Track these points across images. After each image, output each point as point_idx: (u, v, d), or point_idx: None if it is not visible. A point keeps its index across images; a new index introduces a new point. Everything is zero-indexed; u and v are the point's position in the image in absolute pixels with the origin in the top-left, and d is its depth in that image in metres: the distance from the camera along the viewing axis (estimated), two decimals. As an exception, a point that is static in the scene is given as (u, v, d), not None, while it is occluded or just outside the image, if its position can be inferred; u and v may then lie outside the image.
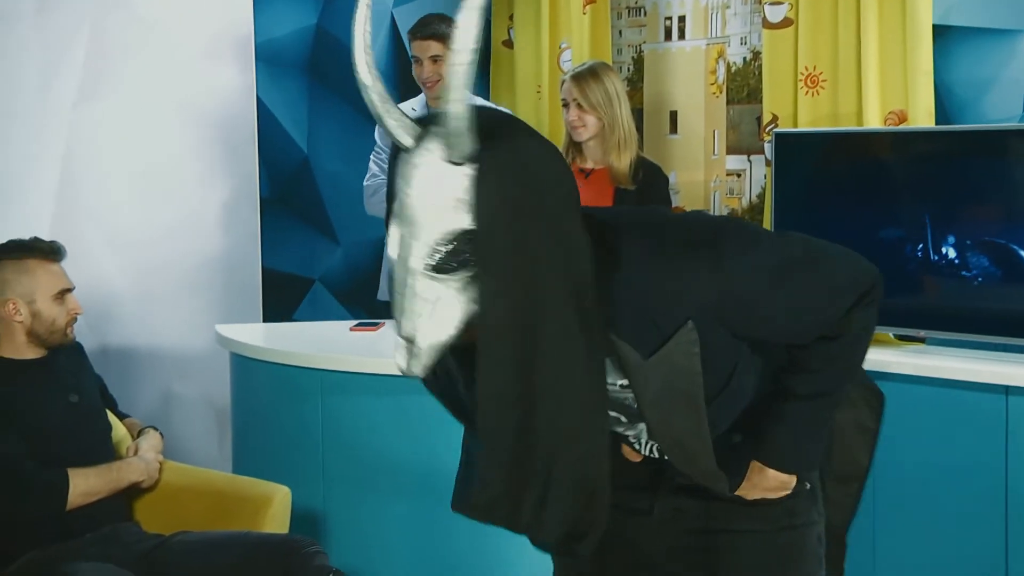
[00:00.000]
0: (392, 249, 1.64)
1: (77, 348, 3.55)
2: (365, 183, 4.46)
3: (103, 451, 3.47)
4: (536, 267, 1.62)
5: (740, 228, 1.96)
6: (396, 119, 1.61)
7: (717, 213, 4.99)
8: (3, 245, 3.43)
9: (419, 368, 1.64)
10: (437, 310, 1.62)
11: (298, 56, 5.08)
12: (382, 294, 4.64)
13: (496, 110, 1.81)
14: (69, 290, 3.43)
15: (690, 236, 1.83)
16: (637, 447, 2.03)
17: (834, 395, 1.98)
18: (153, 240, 4.71)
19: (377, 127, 4.52)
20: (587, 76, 4.15)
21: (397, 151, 1.66)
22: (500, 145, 1.60)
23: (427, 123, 1.64)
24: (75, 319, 3.46)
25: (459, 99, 1.53)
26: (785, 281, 1.85)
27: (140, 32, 4.52)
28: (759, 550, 2.03)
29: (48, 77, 4.17)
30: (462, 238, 1.59)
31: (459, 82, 1.54)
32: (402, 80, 4.81)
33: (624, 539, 2.07)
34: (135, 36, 4.52)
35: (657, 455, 2.02)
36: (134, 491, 3.50)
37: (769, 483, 1.98)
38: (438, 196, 1.59)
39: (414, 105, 4.58)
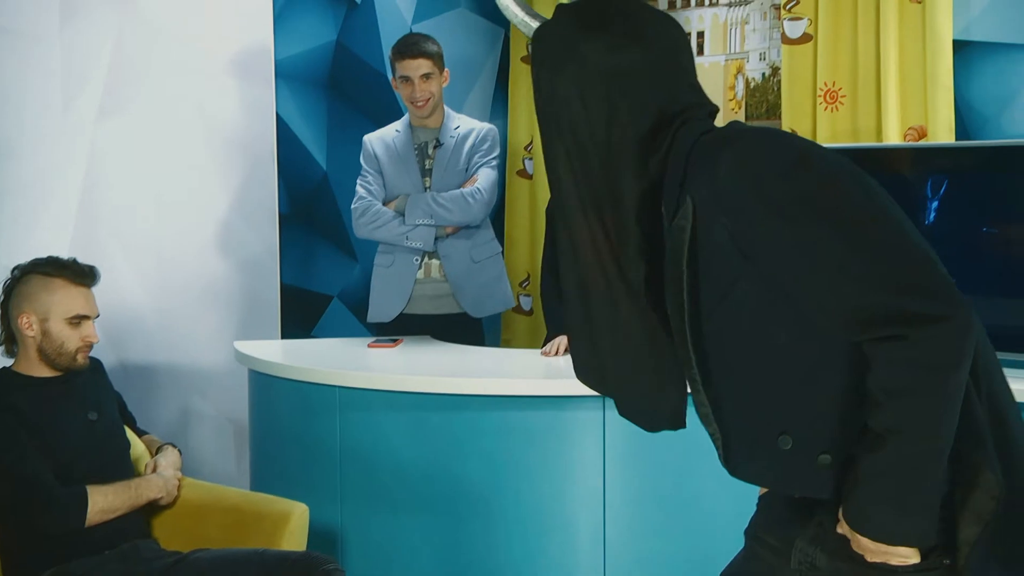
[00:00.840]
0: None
1: (96, 365, 3.56)
2: (353, 206, 4.47)
3: (122, 468, 3.47)
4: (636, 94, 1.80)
5: (824, 154, 1.77)
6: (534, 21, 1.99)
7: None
8: (41, 260, 3.44)
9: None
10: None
11: (317, 73, 5.10)
12: (372, 316, 4.64)
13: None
14: (87, 317, 3.42)
15: (728, 128, 1.85)
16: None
17: (919, 436, 1.61)
18: (172, 256, 4.72)
19: (365, 150, 4.52)
20: None
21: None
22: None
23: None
24: (90, 347, 3.45)
25: None
26: (826, 220, 1.65)
27: (161, 49, 4.54)
28: None
29: (71, 93, 4.19)
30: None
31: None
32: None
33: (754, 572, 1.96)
34: (156, 53, 4.54)
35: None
36: (153, 508, 3.50)
37: (864, 545, 1.69)
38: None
39: (397, 127, 4.57)
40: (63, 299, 3.38)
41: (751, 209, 1.68)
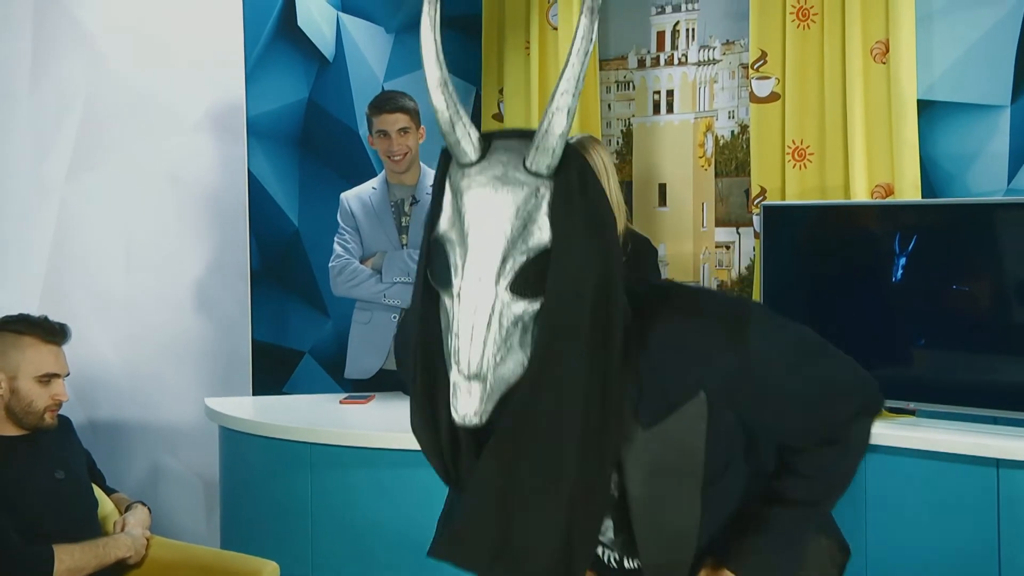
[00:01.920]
0: (457, 275, 1.51)
1: (64, 423, 3.53)
2: (331, 264, 4.48)
3: (89, 527, 3.43)
4: (595, 295, 1.55)
5: (766, 309, 1.88)
6: (466, 125, 1.53)
7: (707, 285, 5.00)
8: (12, 317, 3.43)
9: (482, 412, 1.50)
10: (512, 339, 1.51)
11: (290, 130, 5.11)
12: (349, 372, 4.63)
13: None
14: (57, 375, 3.40)
15: (717, 307, 1.78)
16: (602, 556, 1.92)
17: (820, 506, 1.90)
18: (143, 312, 4.70)
19: (342, 208, 4.53)
20: (581, 147, 4.17)
21: (447, 169, 1.58)
22: (577, 157, 1.56)
23: (491, 136, 1.58)
24: (59, 405, 3.42)
25: (566, 108, 1.48)
26: (802, 368, 1.79)
27: (132, 106, 4.55)
28: None
29: (41, 150, 4.19)
30: (542, 255, 1.50)
31: (573, 87, 1.49)
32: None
33: None
34: (127, 110, 4.55)
35: (617, 566, 1.92)
36: (121, 567, 3.46)
37: None
38: (521, 208, 1.50)
39: (374, 184, 4.59)
40: (33, 357, 3.35)
41: (767, 386, 1.74)
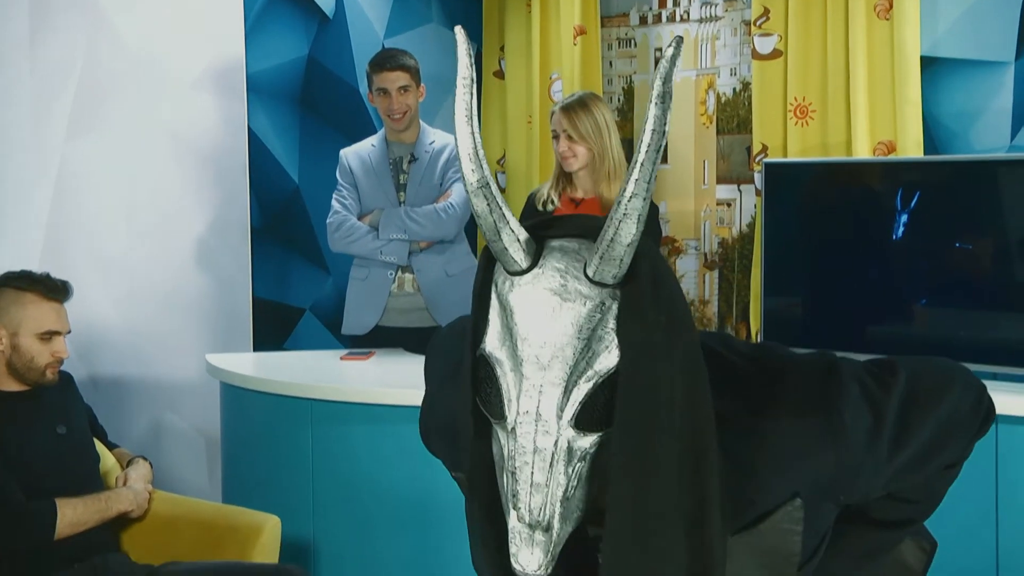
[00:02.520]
0: (511, 408, 1.29)
1: (66, 379, 3.54)
2: (328, 220, 4.48)
3: (91, 481, 3.45)
4: (680, 420, 1.32)
5: (856, 374, 1.59)
6: (515, 229, 1.29)
7: (707, 243, 4.99)
8: (14, 273, 3.43)
9: (548, 564, 1.27)
10: (576, 483, 1.29)
11: (290, 87, 5.09)
12: (346, 328, 4.64)
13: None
14: (58, 332, 3.41)
15: (803, 392, 1.53)
16: None
17: (919, 522, 1.76)
18: (144, 270, 4.71)
19: (341, 165, 4.52)
20: (577, 107, 4.16)
21: (490, 271, 1.35)
22: (648, 260, 1.32)
23: (542, 234, 1.34)
24: (59, 362, 3.43)
25: (636, 214, 1.26)
26: (911, 438, 1.57)
27: (131, 65, 4.53)
28: None
29: (41, 110, 4.18)
30: (611, 380, 1.28)
31: (644, 190, 1.27)
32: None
33: None
34: (126, 69, 4.53)
35: None
36: (123, 521, 3.49)
37: None
38: (584, 326, 1.27)
39: (373, 142, 4.59)
40: (34, 314, 3.36)
41: (877, 471, 1.55)
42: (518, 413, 1.28)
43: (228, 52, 4.86)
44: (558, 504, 1.27)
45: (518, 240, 1.29)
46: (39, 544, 3.21)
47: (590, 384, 1.28)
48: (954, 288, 4.02)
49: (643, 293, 1.29)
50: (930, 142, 4.26)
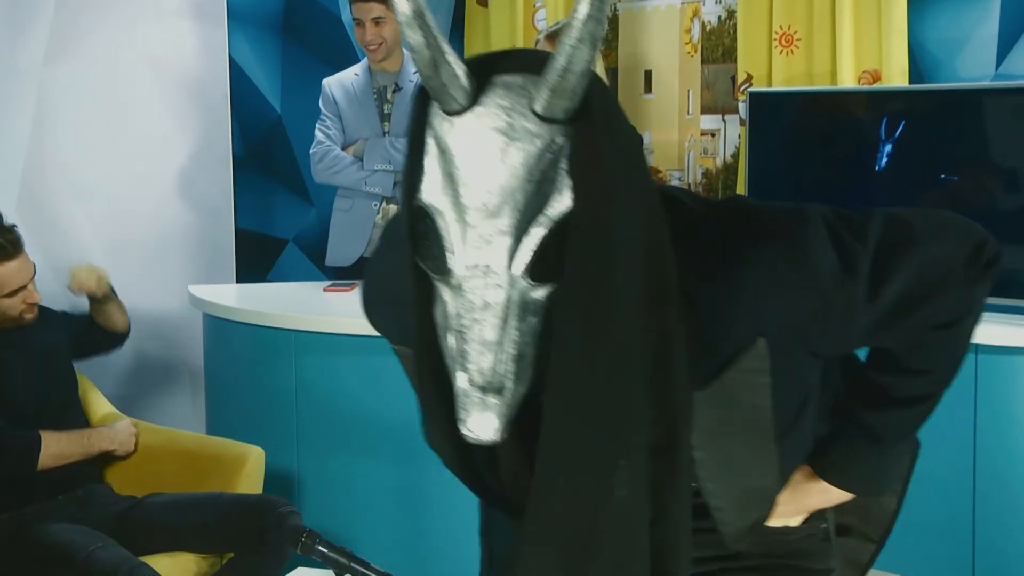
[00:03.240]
0: (456, 260, 1.17)
1: (44, 313, 3.54)
2: (312, 151, 4.46)
3: (72, 411, 3.50)
4: (640, 265, 1.21)
5: (819, 218, 1.48)
6: (452, 63, 1.14)
7: (691, 173, 4.99)
8: None
9: (502, 429, 1.16)
10: (530, 339, 1.17)
11: (271, 15, 5.03)
12: (330, 259, 4.62)
13: None
14: (22, 287, 3.40)
15: (763, 227, 1.42)
16: None
17: (935, 399, 1.59)
18: (125, 199, 4.68)
19: (324, 95, 4.48)
20: (561, 35, 4.12)
21: (424, 114, 1.20)
22: (600, 92, 1.19)
23: (483, 70, 1.19)
24: (33, 306, 3.45)
25: (590, 38, 1.11)
26: (887, 282, 1.42)
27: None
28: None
29: (16, 35, 4.13)
30: (560, 226, 1.16)
31: (598, 10, 1.11)
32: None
33: None
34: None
35: None
36: (109, 458, 3.51)
37: (810, 500, 1.64)
38: (534, 168, 1.14)
39: (356, 71, 4.55)
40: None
41: (853, 306, 1.42)
42: (465, 266, 1.15)
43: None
44: (511, 363, 1.16)
45: (457, 75, 1.14)
46: (22, 472, 3.24)
47: (542, 231, 1.15)
48: (937, 218, 4.03)
49: (597, 130, 1.16)
50: (915, 71, 4.25)
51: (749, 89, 4.47)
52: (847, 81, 4.28)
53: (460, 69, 1.15)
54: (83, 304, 3.77)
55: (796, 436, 1.56)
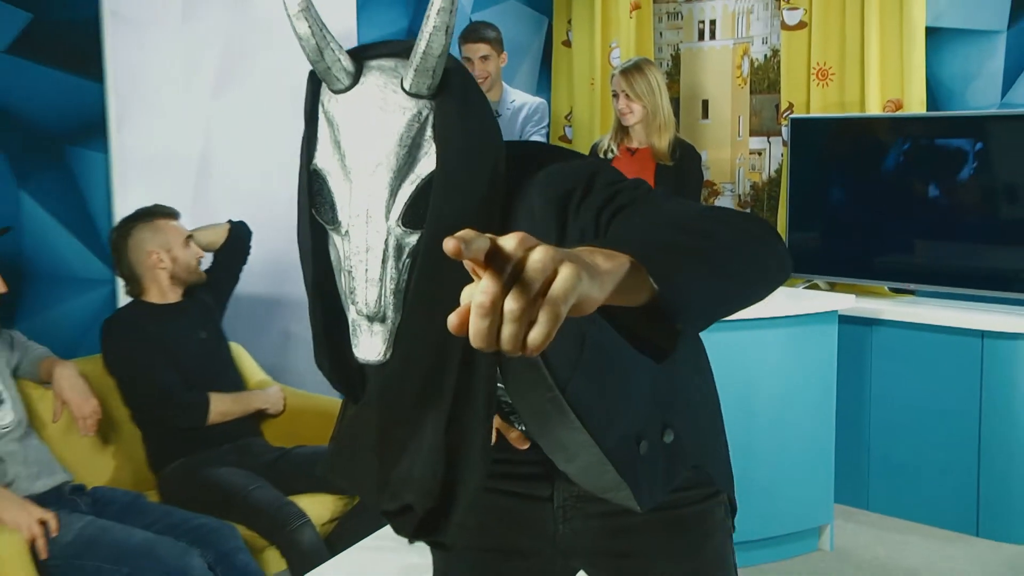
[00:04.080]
0: (344, 212, 1.19)
1: (202, 295, 3.61)
2: None
3: (229, 375, 3.54)
4: (479, 215, 1.18)
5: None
6: (336, 50, 1.17)
7: (741, 186, 4.99)
8: (133, 214, 3.48)
9: (386, 351, 1.18)
10: (407, 275, 1.18)
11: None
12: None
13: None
14: (190, 237, 3.50)
15: (553, 157, 1.32)
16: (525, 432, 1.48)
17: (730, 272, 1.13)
18: (272, 205, 4.76)
19: None
20: (633, 71, 4.15)
21: (316, 93, 1.24)
22: (459, 75, 1.19)
23: (363, 56, 1.21)
24: (200, 260, 3.54)
25: (444, 26, 1.12)
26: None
27: (263, 35, 4.58)
28: (667, 525, 1.50)
29: (190, 74, 4.24)
30: (428, 182, 1.17)
31: (450, 3, 1.12)
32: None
33: (528, 526, 1.56)
34: (259, 38, 4.58)
35: None
36: (261, 416, 3.57)
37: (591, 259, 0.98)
38: (404, 135, 1.16)
39: None
40: (173, 231, 3.45)
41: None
42: (350, 216, 1.18)
43: (342, 25, 4.88)
44: (391, 296, 1.17)
45: (339, 60, 1.17)
46: (194, 427, 3.30)
47: (413, 187, 1.16)
48: (949, 224, 4.00)
49: (455, 103, 1.16)
50: (932, 100, 4.22)
51: (790, 115, 4.46)
52: (874, 108, 4.26)
53: (342, 55, 1.17)
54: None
55: (587, 374, 1.30)
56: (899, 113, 4.22)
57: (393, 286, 1.17)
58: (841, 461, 3.83)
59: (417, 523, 1.28)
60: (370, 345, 1.18)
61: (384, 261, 1.17)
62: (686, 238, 1.08)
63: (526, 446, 1.44)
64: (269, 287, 4.68)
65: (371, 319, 1.17)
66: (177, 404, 3.29)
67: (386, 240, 1.17)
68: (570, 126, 5.50)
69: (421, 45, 1.13)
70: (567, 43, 5.48)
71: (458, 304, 0.88)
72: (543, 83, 5.61)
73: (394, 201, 1.17)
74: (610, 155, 4.24)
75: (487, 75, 4.45)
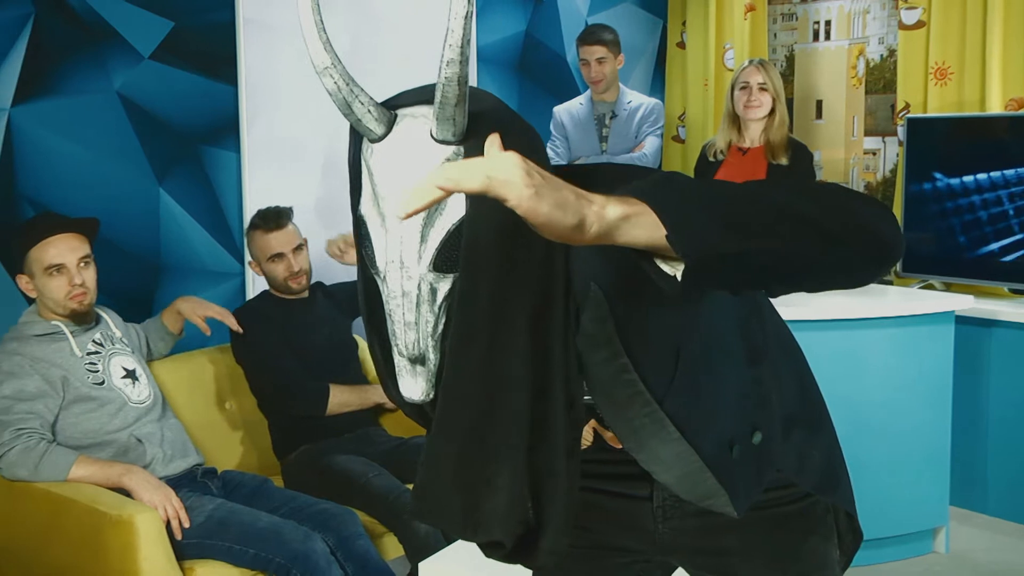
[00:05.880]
0: (381, 258, 1.17)
1: (327, 291, 3.61)
2: None
3: (352, 370, 3.54)
4: (516, 253, 1.13)
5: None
6: (365, 103, 1.15)
7: (855, 186, 4.84)
8: (253, 217, 3.46)
9: (429, 391, 1.18)
10: (446, 318, 1.17)
11: (511, 57, 5.10)
12: None
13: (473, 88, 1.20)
14: (281, 254, 3.38)
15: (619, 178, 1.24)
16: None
17: (787, 208, 1.07)
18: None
19: (554, 120, 4.51)
20: (767, 65, 4.09)
21: (358, 144, 1.20)
22: (487, 119, 1.15)
23: (394, 105, 1.19)
24: (295, 274, 3.39)
25: (455, 77, 1.08)
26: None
27: (388, 39, 4.61)
28: (766, 523, 1.46)
29: (315, 83, 4.29)
30: (459, 227, 1.14)
31: (458, 55, 1.07)
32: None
33: (628, 525, 1.53)
34: (384, 42, 4.60)
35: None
36: (380, 409, 3.56)
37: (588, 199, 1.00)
38: None
39: (581, 100, 4.56)
40: (261, 245, 3.41)
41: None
42: (386, 262, 1.16)
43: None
44: (430, 339, 1.16)
45: (369, 111, 1.15)
46: (314, 415, 3.31)
47: (443, 232, 1.13)
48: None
49: (482, 147, 1.06)
50: (1057, 99, 4.03)
51: (907, 115, 4.31)
52: (994, 108, 4.08)
53: (372, 106, 1.15)
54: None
55: (682, 389, 1.27)
56: (1021, 112, 4.03)
57: (430, 330, 1.16)
58: (957, 463, 3.70)
59: (508, 552, 1.25)
60: (413, 386, 1.18)
61: (418, 306, 1.15)
62: (732, 191, 1.06)
63: (622, 445, 1.39)
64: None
65: (412, 361, 1.17)
66: (298, 393, 3.31)
67: (419, 285, 1.15)
68: (683, 126, 5.41)
69: (437, 96, 1.10)
70: (681, 44, 5.39)
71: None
72: (657, 84, 5.53)
73: (425, 247, 1.14)
74: (720, 156, 4.15)
75: (603, 77, 4.40)
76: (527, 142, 1.19)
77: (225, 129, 3.79)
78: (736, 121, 4.14)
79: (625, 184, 1.06)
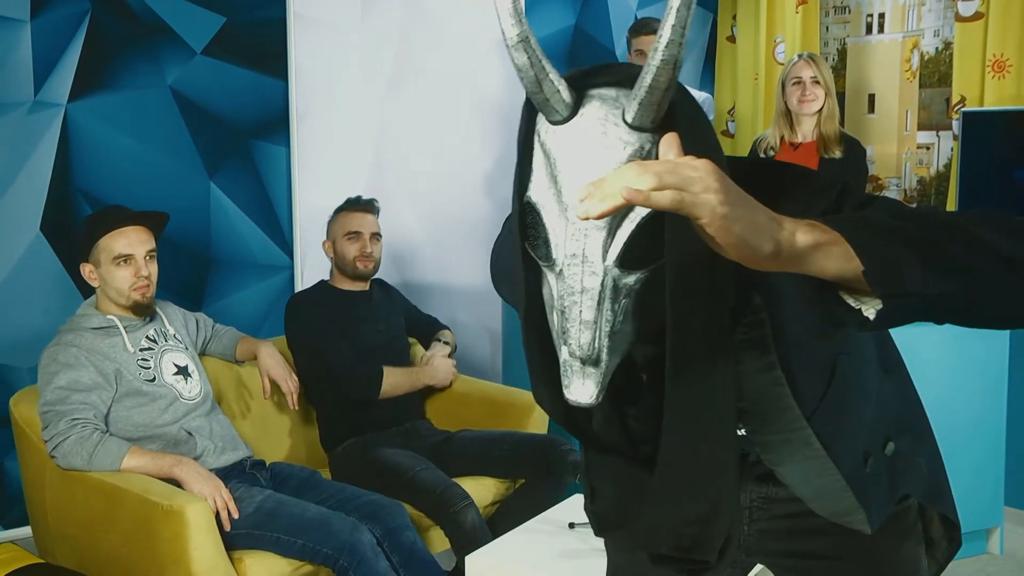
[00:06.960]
0: (559, 251, 1.08)
1: (385, 287, 3.63)
2: None
3: (405, 359, 3.56)
4: (717, 279, 1.08)
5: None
6: (555, 80, 1.05)
7: (908, 180, 4.75)
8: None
9: (598, 395, 1.08)
10: (623, 317, 1.08)
11: (559, 50, 5.07)
12: None
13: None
14: (359, 232, 3.43)
15: (796, 183, 1.19)
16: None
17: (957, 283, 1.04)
18: (445, 202, 4.80)
19: None
20: (819, 59, 4.04)
21: (531, 123, 1.11)
22: (686, 107, 1.08)
23: (581, 83, 1.09)
24: (365, 256, 3.44)
25: (673, 60, 0.99)
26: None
27: (437, 33, 4.59)
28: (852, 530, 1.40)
29: (366, 71, 4.28)
30: (652, 220, 1.05)
31: (680, 35, 0.98)
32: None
33: None
34: (433, 36, 4.59)
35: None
36: (429, 395, 3.58)
37: (758, 215, 0.98)
38: None
39: None
40: (342, 221, 3.46)
41: None
42: (565, 256, 1.05)
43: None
44: (606, 339, 1.06)
45: (559, 91, 1.04)
46: (368, 397, 3.32)
47: (633, 225, 1.05)
48: None
49: (681, 136, 1.00)
50: (1117, 92, 3.91)
51: (963, 109, 4.22)
52: (1054, 101, 3.98)
53: (562, 86, 1.05)
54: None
55: (833, 404, 1.24)
56: (1080, 106, 3.93)
57: (608, 328, 1.07)
58: (1013, 461, 3.61)
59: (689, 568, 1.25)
60: (582, 388, 1.07)
61: (600, 303, 1.06)
62: (913, 223, 1.04)
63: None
64: (436, 274, 4.69)
65: (584, 361, 1.07)
66: (352, 375, 3.31)
67: (603, 282, 1.06)
68: (733, 120, 5.34)
69: (647, 79, 1.00)
70: (731, 39, 5.32)
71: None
72: (706, 78, 5.47)
73: (612, 241, 1.05)
74: (771, 152, 4.09)
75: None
76: (714, 142, 1.12)
77: (275, 124, 3.81)
78: (788, 116, 4.08)
79: (788, 190, 1.06)
